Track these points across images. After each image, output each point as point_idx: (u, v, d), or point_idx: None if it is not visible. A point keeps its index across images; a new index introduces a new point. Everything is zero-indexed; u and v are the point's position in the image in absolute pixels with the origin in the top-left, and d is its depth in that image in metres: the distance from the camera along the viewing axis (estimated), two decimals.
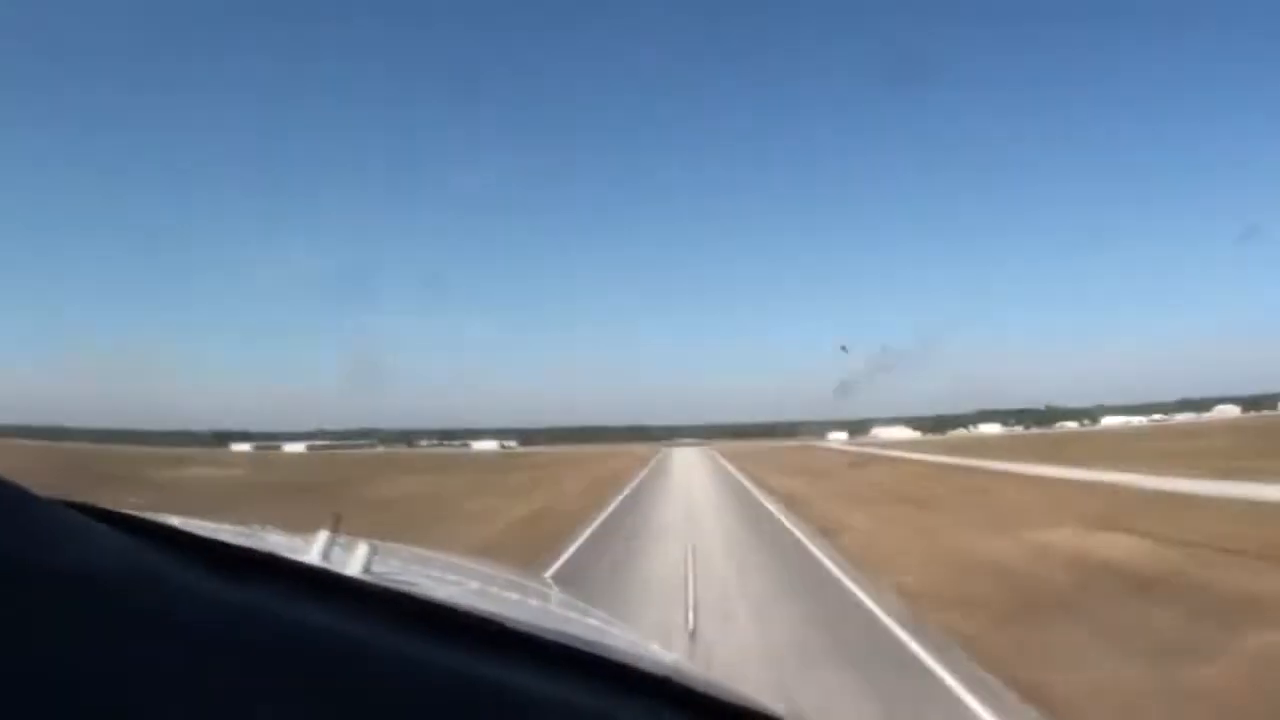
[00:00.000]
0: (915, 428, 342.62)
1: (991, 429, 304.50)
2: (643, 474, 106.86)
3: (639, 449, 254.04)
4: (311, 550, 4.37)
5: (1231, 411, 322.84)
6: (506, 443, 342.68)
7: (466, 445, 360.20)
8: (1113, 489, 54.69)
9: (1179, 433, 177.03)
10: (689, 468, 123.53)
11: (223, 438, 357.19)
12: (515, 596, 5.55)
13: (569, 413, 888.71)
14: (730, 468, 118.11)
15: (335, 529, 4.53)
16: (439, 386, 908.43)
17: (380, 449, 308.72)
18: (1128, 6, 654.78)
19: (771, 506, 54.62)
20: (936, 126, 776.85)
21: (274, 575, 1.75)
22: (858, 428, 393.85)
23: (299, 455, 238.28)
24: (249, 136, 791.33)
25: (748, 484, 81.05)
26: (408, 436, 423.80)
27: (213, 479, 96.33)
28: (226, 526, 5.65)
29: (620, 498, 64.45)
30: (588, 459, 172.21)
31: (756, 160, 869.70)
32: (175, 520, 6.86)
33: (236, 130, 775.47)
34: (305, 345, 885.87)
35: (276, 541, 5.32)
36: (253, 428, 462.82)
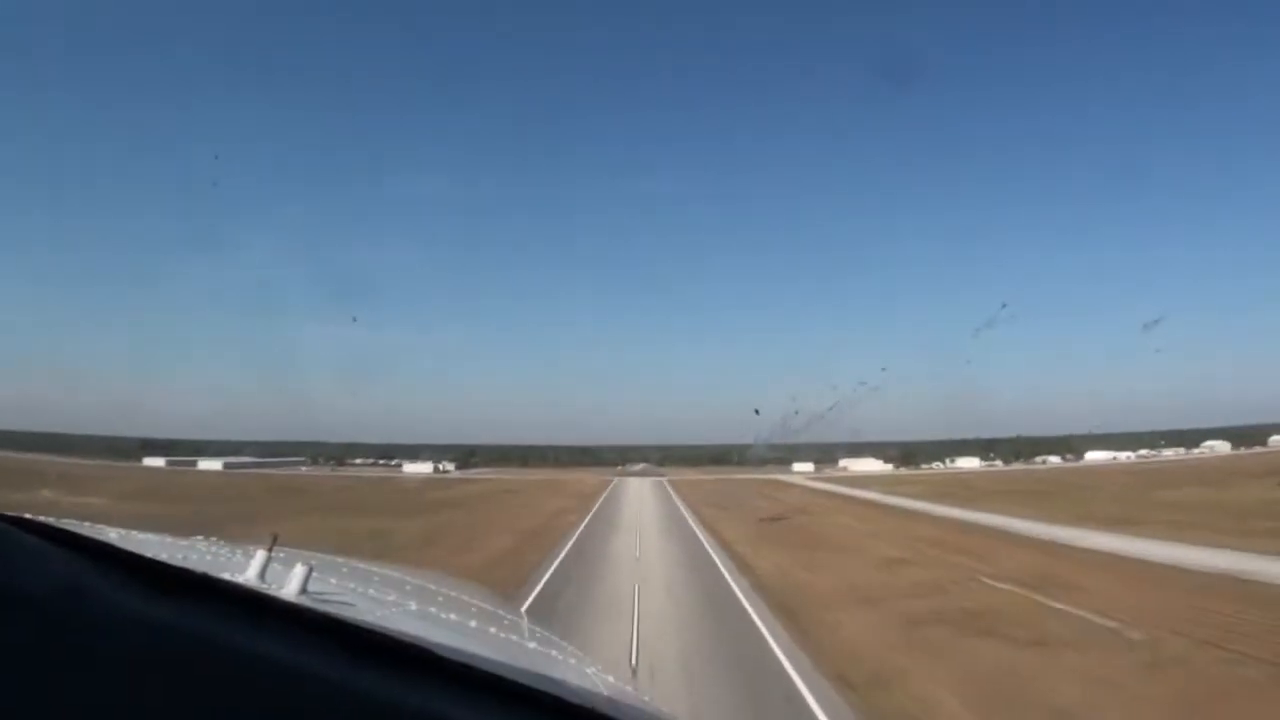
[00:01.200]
0: (885, 458, 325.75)
1: (969, 463, 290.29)
2: (584, 522, 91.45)
3: (588, 479, 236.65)
4: (249, 568, 4.87)
5: (1222, 448, 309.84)
6: (443, 465, 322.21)
7: (401, 466, 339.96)
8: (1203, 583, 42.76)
9: (1183, 475, 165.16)
10: (642, 519, 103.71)
11: (150, 447, 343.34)
12: (454, 618, 6.05)
13: (516, 429, 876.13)
14: (693, 523, 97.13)
15: (272, 547, 5.13)
16: (384, 400, 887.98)
17: (304, 469, 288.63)
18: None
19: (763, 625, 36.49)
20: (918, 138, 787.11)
21: (207, 596, 1.85)
22: (825, 454, 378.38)
23: (207, 475, 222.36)
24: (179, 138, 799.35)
25: (722, 566, 55.30)
26: (343, 454, 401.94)
27: (54, 509, 79.76)
28: (169, 539, 6.45)
29: (549, 571, 49.03)
30: (524, 493, 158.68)
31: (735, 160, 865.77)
32: (114, 534, 5.67)
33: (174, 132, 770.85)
34: (254, 354, 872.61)
35: (219, 554, 6.12)
36: (199, 435, 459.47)
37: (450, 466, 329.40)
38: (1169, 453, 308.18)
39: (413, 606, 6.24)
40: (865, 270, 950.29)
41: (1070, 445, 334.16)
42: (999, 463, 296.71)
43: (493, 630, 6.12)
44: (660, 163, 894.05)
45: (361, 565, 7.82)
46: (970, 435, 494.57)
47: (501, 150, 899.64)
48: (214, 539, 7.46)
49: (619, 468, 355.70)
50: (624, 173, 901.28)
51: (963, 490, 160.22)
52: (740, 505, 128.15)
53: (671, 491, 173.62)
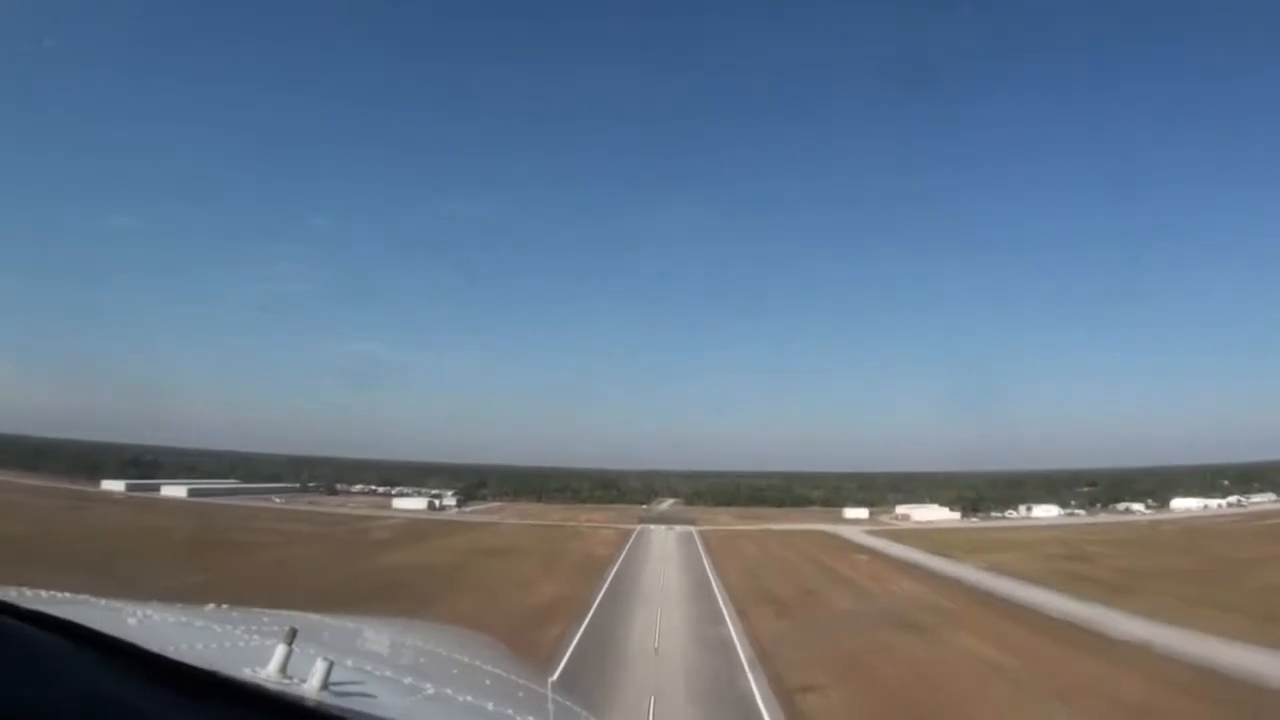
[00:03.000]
0: (953, 503, 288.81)
1: (1047, 511, 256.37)
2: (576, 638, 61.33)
3: (603, 531, 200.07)
4: (271, 662, 5.25)
5: None
6: (442, 498, 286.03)
7: (403, 495, 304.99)
8: None
9: None
10: (665, 632, 68.60)
11: (137, 465, 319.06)
12: (471, 699, 6.37)
13: (539, 449, 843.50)
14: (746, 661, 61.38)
15: (292, 640, 5.38)
16: (406, 416, 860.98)
17: (278, 500, 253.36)
18: None
19: None
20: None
21: (234, 700, 1.79)
22: (876, 495, 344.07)
23: (155, 504, 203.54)
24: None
25: None
26: (337, 480, 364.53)
27: None
28: (180, 612, 6.90)
29: None
30: (512, 557, 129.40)
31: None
32: (125, 613, 6.24)
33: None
34: (277, 367, 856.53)
35: (234, 635, 6.56)
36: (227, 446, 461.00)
37: (450, 500, 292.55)
38: (1257, 499, 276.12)
39: (430, 691, 6.44)
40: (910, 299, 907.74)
41: (1155, 493, 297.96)
42: (1081, 512, 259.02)
43: (511, 713, 6.13)
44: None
45: (377, 634, 8.15)
46: (1043, 466, 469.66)
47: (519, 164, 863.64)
48: (224, 606, 8.07)
49: (644, 507, 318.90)
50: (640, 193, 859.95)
51: (1087, 567, 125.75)
52: (809, 596, 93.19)
53: (707, 562, 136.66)
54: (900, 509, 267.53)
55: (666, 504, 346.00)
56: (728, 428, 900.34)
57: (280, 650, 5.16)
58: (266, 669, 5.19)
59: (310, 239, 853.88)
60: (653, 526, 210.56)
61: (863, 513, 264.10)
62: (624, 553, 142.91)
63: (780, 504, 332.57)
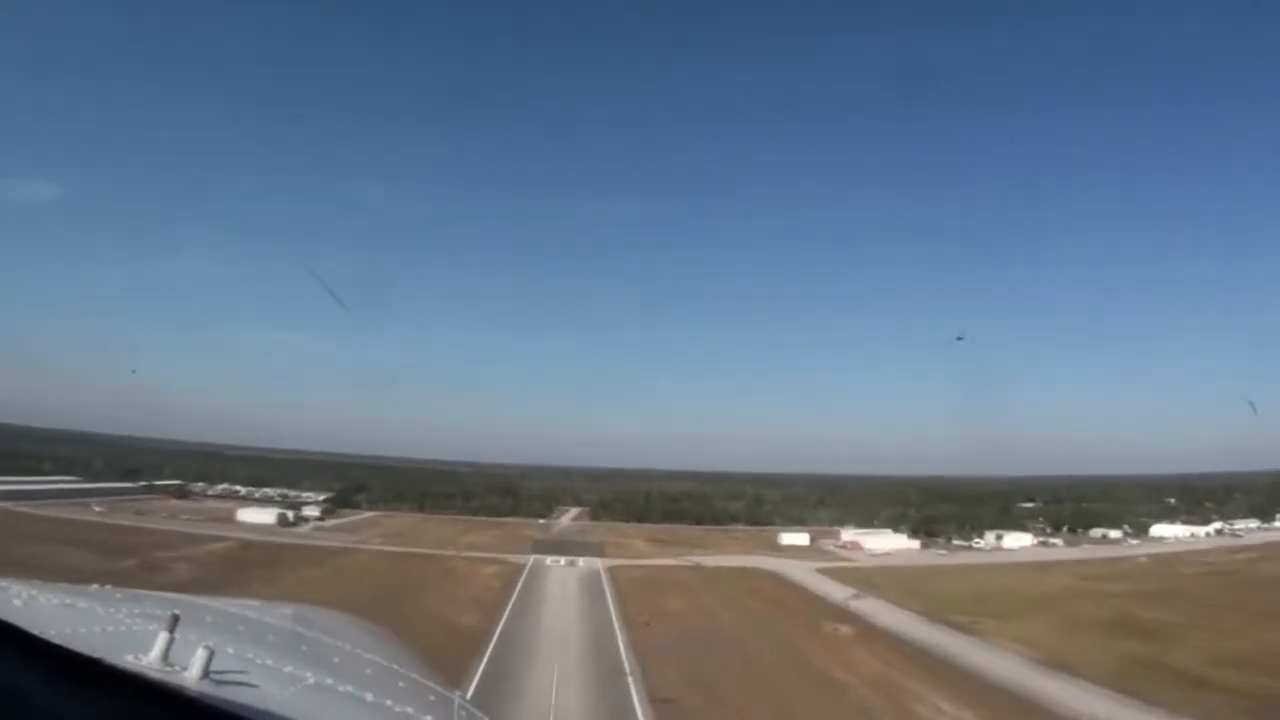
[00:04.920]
0: (898, 522, 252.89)
1: (1019, 540, 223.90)
2: None
3: (484, 568, 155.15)
4: (152, 652, 5.27)
5: None
6: (302, 509, 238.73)
7: (260, 501, 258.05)
8: None
9: None
10: None
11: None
12: (367, 697, 6.49)
13: (434, 443, 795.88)
14: None
15: (173, 628, 5.39)
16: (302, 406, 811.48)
17: (97, 510, 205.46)
18: None
19: None
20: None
21: (117, 689, 1.90)
22: (802, 506, 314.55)
23: None
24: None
25: None
26: (207, 476, 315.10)
27: None
28: (65, 591, 6.93)
29: None
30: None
31: None
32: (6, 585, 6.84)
33: None
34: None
35: (117, 617, 6.61)
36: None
37: (313, 510, 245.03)
38: (1241, 527, 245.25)
39: (310, 680, 6.45)
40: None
41: (1126, 516, 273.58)
42: (1058, 542, 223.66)
43: (390, 704, 6.28)
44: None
45: (262, 619, 8.33)
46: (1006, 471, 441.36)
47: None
48: (108, 587, 8.19)
49: (542, 522, 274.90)
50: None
51: (1172, 653, 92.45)
52: None
53: (627, 659, 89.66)
54: (846, 534, 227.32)
55: (569, 517, 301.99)
56: (637, 426, 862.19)
57: (162, 637, 5.16)
58: (149, 655, 5.20)
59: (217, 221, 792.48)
60: (549, 561, 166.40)
61: (802, 538, 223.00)
62: (501, 624, 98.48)
63: (699, 520, 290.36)
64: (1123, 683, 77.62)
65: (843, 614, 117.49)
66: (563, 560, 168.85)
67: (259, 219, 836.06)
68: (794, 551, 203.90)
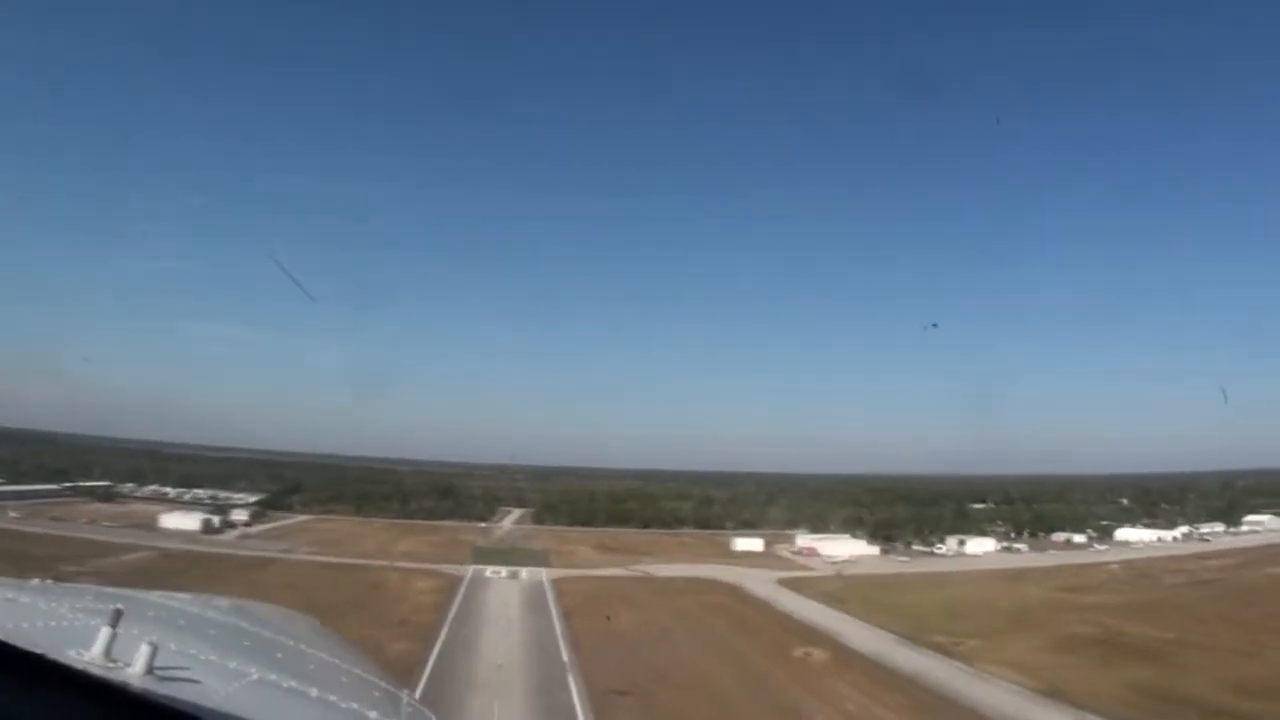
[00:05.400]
0: (853, 525, 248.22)
1: (983, 546, 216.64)
2: None
3: (418, 581, 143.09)
4: (94, 647, 5.26)
5: (1272, 523, 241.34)
6: (230, 513, 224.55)
7: (189, 503, 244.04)
8: None
9: None
10: None
11: None
12: (311, 692, 6.45)
13: (374, 441, 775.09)
14: None
15: (116, 623, 5.39)
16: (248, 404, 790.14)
17: (13, 514, 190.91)
18: None
19: None
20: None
21: (60, 685, 1.90)
22: (753, 507, 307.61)
23: None
24: None
25: None
26: (126, 480, 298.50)
27: None
28: (6, 581, 7.00)
29: None
30: None
31: None
32: None
33: None
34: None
35: (58, 611, 6.63)
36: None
37: (241, 514, 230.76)
38: (1205, 528, 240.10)
39: (254, 675, 6.43)
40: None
41: (1089, 519, 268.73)
42: (1023, 547, 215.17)
43: (335, 699, 6.32)
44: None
45: (205, 614, 8.24)
46: (910, 469, 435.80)
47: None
48: (49, 581, 8.22)
49: (483, 526, 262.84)
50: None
51: (1182, 680, 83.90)
52: None
53: (577, 696, 78.58)
54: (802, 540, 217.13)
55: (511, 520, 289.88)
56: (582, 424, 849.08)
57: (105, 632, 5.12)
58: (91, 651, 5.16)
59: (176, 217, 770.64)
60: (490, 572, 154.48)
61: (755, 543, 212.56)
62: (433, 655, 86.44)
63: (647, 523, 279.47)
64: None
65: (812, 635, 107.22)
66: (504, 571, 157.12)
67: (211, 213, 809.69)
68: (748, 558, 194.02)
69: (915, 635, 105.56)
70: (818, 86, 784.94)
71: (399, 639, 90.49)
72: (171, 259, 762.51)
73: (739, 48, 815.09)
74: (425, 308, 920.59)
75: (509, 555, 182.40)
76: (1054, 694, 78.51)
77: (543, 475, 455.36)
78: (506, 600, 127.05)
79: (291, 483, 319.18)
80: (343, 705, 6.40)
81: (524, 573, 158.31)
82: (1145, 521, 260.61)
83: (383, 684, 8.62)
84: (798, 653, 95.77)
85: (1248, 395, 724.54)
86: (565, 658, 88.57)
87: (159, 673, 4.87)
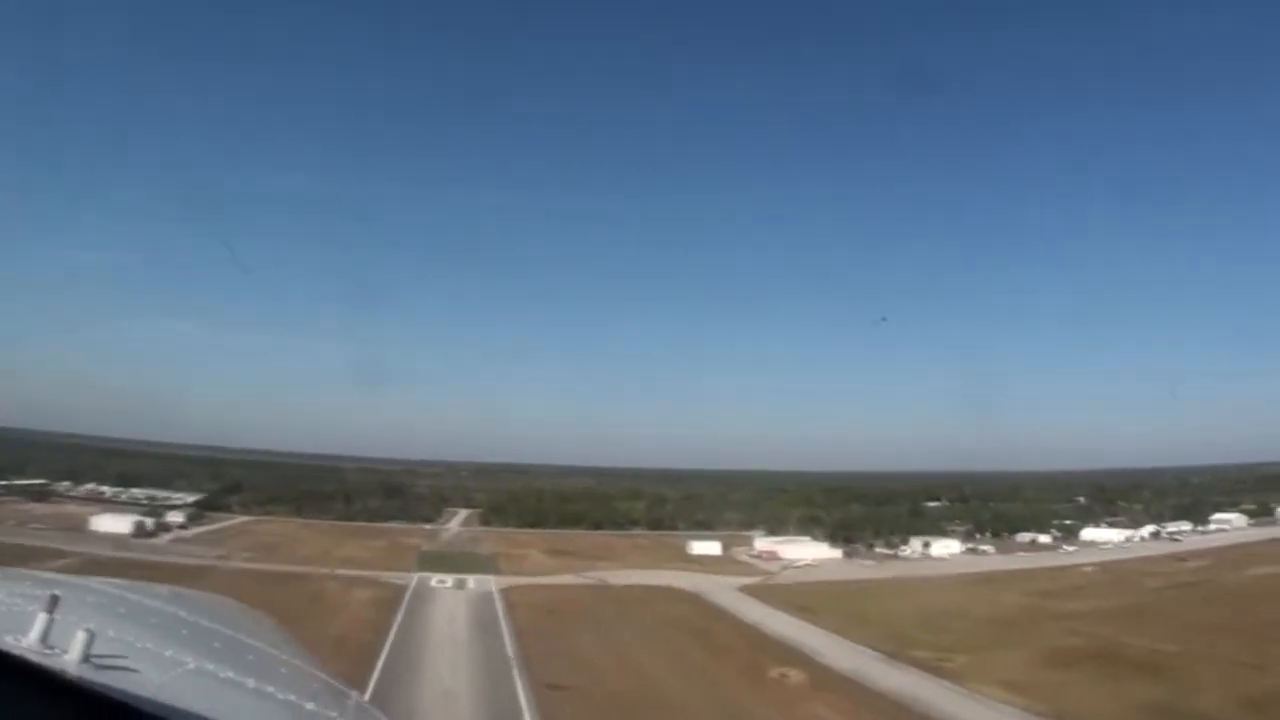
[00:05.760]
0: (824, 529, 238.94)
1: (948, 547, 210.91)
2: None
3: (359, 591, 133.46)
4: (31, 633, 5.27)
5: (1239, 521, 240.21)
6: (164, 515, 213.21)
7: (121, 504, 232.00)
8: None
9: None
10: None
11: None
12: (249, 683, 6.37)
13: (319, 437, 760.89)
14: None
15: (52, 609, 5.38)
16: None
17: None
18: None
19: None
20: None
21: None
22: (707, 507, 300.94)
23: None
24: None
25: None
26: (63, 478, 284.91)
27: None
28: None
29: None
30: None
31: None
32: None
33: None
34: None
35: None
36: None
37: (177, 516, 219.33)
38: (1172, 527, 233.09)
39: (191, 665, 6.33)
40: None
41: (1052, 518, 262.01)
42: (989, 549, 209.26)
43: (272, 690, 6.22)
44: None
45: (143, 601, 8.07)
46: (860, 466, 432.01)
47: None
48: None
49: (429, 527, 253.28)
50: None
51: (1193, 697, 77.78)
52: None
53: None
54: (761, 542, 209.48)
55: (458, 521, 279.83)
56: (530, 420, 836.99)
57: (41, 618, 5.09)
58: (28, 637, 5.14)
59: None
60: (436, 581, 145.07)
61: (713, 547, 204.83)
62: (370, 686, 76.30)
63: (599, 524, 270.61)
64: None
65: (786, 652, 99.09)
66: (450, 580, 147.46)
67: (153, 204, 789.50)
68: (706, 563, 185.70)
69: (896, 650, 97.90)
70: (819, 86, 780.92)
71: (331, 663, 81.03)
72: (116, 251, 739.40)
73: (740, 47, 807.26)
74: (374, 303, 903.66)
75: (456, 561, 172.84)
76: (1060, 718, 71.19)
77: (490, 473, 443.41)
78: (453, 616, 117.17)
79: (232, 481, 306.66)
80: (280, 696, 6.04)
81: (472, 581, 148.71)
82: (1109, 520, 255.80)
83: (323, 676, 8.18)
84: (774, 673, 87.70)
85: (1202, 392, 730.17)
86: (521, 695, 78.89)
87: (95, 660, 4.75)
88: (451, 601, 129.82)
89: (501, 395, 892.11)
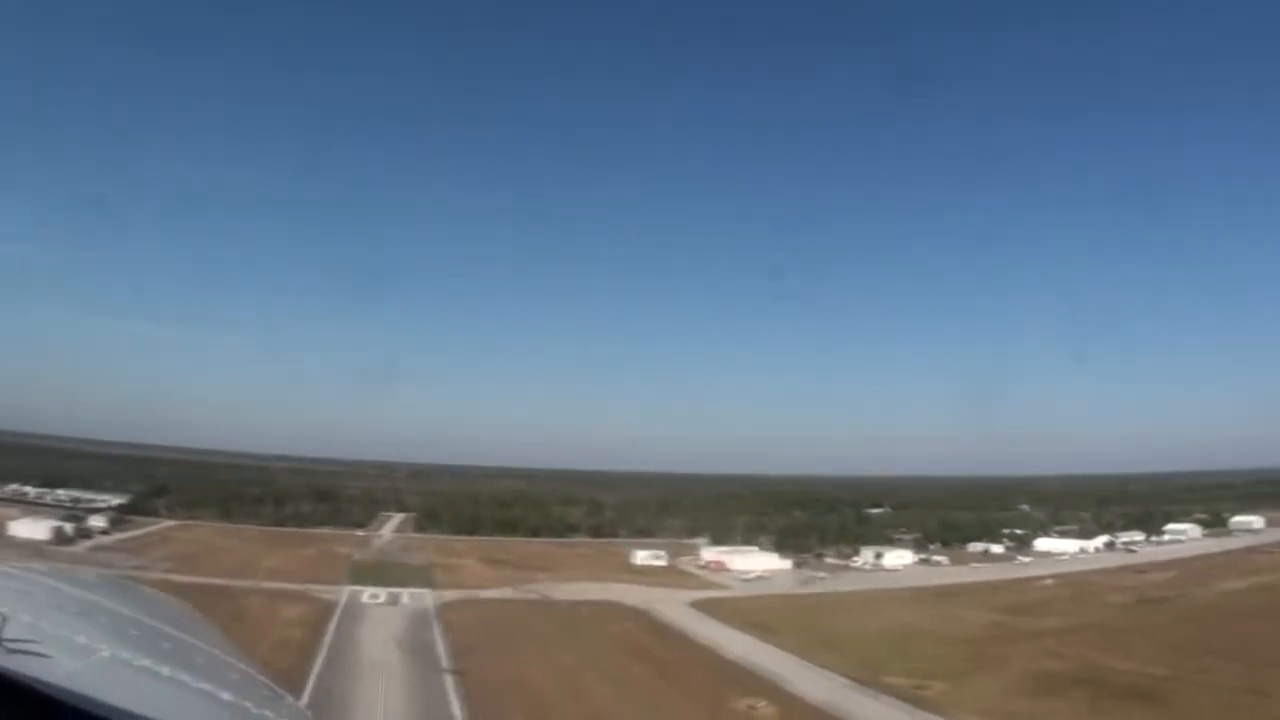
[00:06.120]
0: (768, 536, 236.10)
1: (900, 558, 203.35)
2: None
3: (285, 608, 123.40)
4: None
5: (1194, 532, 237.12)
6: (85, 519, 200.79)
7: (40, 508, 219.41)
8: None
9: None
10: None
11: None
12: (163, 671, 6.14)
13: (249, 436, 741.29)
14: None
15: None
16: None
17: None
18: None
19: None
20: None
21: None
22: (646, 512, 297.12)
23: None
24: None
25: None
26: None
27: None
28: None
29: None
30: None
31: None
32: None
33: None
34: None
35: None
36: None
37: (99, 520, 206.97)
38: (1125, 537, 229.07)
39: (106, 653, 6.17)
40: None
41: (1008, 525, 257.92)
42: (943, 560, 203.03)
43: (188, 679, 6.07)
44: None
45: (59, 587, 7.85)
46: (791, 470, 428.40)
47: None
48: None
49: (361, 533, 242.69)
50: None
51: None
52: None
53: None
54: (708, 552, 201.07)
55: (391, 527, 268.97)
56: (464, 421, 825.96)
57: None
58: None
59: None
60: (368, 596, 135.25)
61: (659, 556, 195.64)
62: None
63: (536, 530, 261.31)
64: None
65: (750, 679, 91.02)
66: (383, 595, 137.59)
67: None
68: (651, 574, 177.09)
69: (868, 677, 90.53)
70: (819, 85, 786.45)
71: None
72: (30, 244, 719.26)
73: (740, 47, 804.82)
74: (310, 297, 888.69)
75: (389, 573, 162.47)
76: None
77: (425, 474, 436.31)
78: (386, 639, 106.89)
79: (160, 483, 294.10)
80: (194, 685, 5.88)
81: (406, 596, 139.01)
82: (1059, 530, 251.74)
83: (251, 672, 7.89)
84: (741, 705, 79.66)
85: (1141, 401, 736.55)
86: None
87: (8, 644, 4.76)
88: (385, 620, 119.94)
89: (436, 396, 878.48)
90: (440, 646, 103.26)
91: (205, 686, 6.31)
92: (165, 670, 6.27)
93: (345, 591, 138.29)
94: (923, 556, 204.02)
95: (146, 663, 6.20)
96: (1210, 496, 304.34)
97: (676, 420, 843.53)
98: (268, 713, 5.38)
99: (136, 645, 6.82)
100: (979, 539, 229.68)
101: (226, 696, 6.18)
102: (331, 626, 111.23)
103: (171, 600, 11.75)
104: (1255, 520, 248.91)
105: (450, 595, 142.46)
